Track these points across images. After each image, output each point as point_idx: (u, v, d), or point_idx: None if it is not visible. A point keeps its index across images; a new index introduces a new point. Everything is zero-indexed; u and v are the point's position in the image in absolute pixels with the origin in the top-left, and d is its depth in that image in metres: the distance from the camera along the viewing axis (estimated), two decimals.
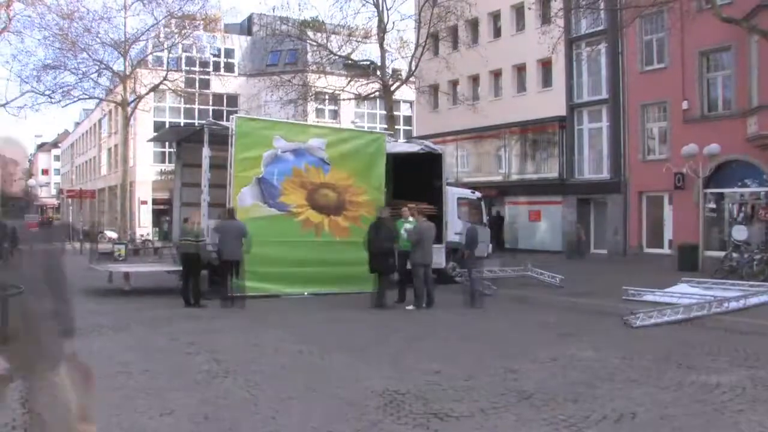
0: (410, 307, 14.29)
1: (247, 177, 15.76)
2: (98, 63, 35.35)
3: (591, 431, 6.05)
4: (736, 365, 8.64)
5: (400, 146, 21.23)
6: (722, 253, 22.19)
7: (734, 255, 21.13)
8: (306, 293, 15.78)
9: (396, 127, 37.64)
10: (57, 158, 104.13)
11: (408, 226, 15.13)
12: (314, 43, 34.68)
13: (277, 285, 15.67)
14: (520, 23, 34.76)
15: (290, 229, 16.09)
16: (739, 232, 22.68)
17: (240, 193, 15.63)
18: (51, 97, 34.53)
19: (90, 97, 39.07)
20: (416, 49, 32.52)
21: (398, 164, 21.04)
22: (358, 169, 17.17)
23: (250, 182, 15.78)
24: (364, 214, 16.87)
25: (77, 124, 77.81)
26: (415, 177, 19.99)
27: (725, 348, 9.52)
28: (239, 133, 15.81)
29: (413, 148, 20.29)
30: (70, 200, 57.99)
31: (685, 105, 25.90)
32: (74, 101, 36.84)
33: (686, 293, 14.59)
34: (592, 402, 6.90)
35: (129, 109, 36.74)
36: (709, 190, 24.99)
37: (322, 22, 35.26)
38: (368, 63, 34.45)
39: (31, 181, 76.23)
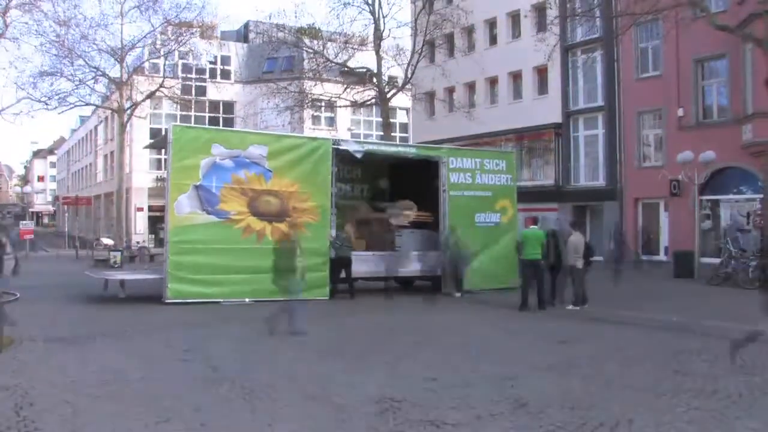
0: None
1: (185, 184, 15.75)
2: (95, 70, 35.35)
3: None
4: (733, 372, 8.64)
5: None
6: (718, 260, 22.22)
7: (731, 262, 21.16)
8: (247, 300, 15.77)
9: (392, 134, 37.66)
10: (53, 165, 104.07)
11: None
12: (310, 51, 34.72)
13: (217, 291, 15.67)
14: (515, 31, 34.88)
15: (230, 236, 16.06)
16: (735, 239, 22.73)
17: (177, 200, 15.62)
18: (47, 104, 34.47)
19: (86, 104, 39.01)
20: (412, 56, 32.59)
21: (397, 170, 21.17)
22: (302, 176, 17.06)
23: (188, 190, 15.75)
24: (308, 220, 16.89)
25: (73, 130, 77.80)
26: (415, 183, 20.10)
27: (722, 355, 9.51)
28: (176, 140, 15.85)
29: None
30: (66, 207, 58.02)
31: (680, 112, 26.00)
32: (70, 108, 36.77)
33: None
34: (588, 409, 6.90)
35: (125, 116, 36.70)
36: (704, 197, 25.06)
37: (319, 29, 35.30)
38: (364, 70, 34.50)
39: (27, 188, 76.31)
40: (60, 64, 34.34)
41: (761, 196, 23.02)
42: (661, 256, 26.77)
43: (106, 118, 50.34)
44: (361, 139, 21.74)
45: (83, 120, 66.99)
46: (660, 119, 27.53)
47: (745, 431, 6.29)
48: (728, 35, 21.03)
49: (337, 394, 7.52)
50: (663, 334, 11.81)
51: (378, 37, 31.97)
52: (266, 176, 16.70)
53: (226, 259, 15.85)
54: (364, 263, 17.93)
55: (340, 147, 17.92)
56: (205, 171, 15.99)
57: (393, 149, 21.20)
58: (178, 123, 20.55)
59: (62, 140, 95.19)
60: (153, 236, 44.01)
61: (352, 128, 47.06)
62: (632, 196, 28.30)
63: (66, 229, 51.68)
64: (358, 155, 18.16)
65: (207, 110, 47.72)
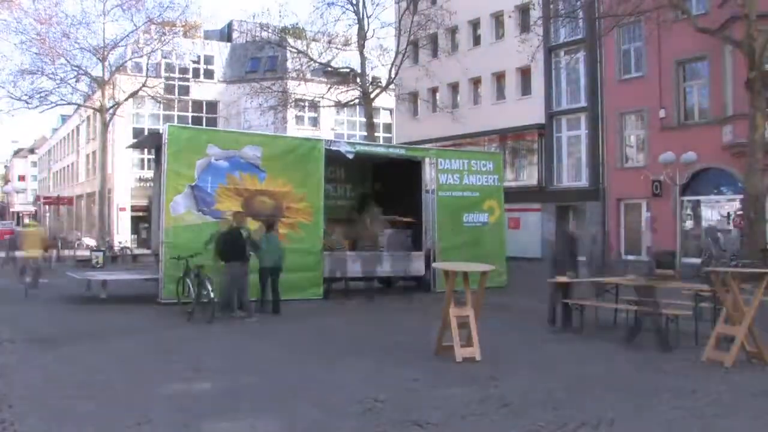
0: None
1: (181, 185, 15.70)
2: (76, 68, 35.09)
3: None
4: (712, 372, 8.72)
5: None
6: (699, 260, 22.40)
7: (711, 262, 21.34)
8: None
9: (376, 134, 37.69)
10: (34, 164, 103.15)
11: None
12: (294, 50, 34.66)
13: (213, 292, 15.53)
14: (499, 31, 35.00)
15: None
16: (716, 240, 22.96)
17: (173, 201, 15.56)
18: (28, 103, 34.18)
19: (68, 103, 38.73)
20: (396, 56, 32.63)
21: (380, 170, 21.22)
22: (295, 176, 17.08)
23: (184, 190, 15.71)
24: (301, 221, 16.96)
25: (55, 130, 77.17)
26: (398, 183, 20.15)
27: (700, 355, 9.58)
28: (171, 141, 15.78)
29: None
30: (47, 207, 57.56)
31: (662, 113, 26.19)
32: (52, 107, 36.47)
33: None
34: (570, 408, 6.93)
35: (107, 116, 36.46)
36: (685, 198, 25.27)
37: (303, 29, 35.27)
38: (348, 70, 34.49)
39: (8, 188, 75.57)
40: (41, 62, 34.11)
41: (741, 196, 23.24)
42: (643, 256, 26.95)
43: (88, 117, 50.01)
44: (351, 141, 21.79)
45: (65, 119, 66.45)
46: (642, 120, 27.73)
47: (724, 429, 6.35)
48: (709, 37, 21.20)
49: (320, 394, 7.52)
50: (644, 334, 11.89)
51: (362, 37, 31.97)
52: (260, 177, 16.68)
53: None
54: (349, 263, 18.02)
55: (332, 148, 17.97)
56: (201, 171, 15.93)
57: (383, 150, 21.26)
58: (173, 123, 20.53)
59: (44, 139, 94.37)
60: (135, 236, 43.78)
61: (335, 128, 47.06)
62: (615, 196, 28.48)
63: (47, 229, 51.22)
64: (350, 156, 18.19)
65: (190, 110, 47.58)
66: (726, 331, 9.35)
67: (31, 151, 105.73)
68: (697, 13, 23.21)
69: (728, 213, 24.45)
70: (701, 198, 25.52)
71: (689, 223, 25.99)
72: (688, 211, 25.89)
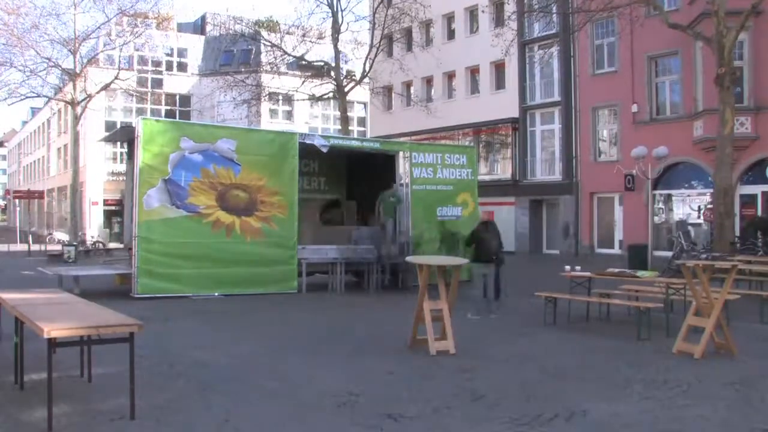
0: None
1: (154, 178, 15.63)
2: (46, 60, 34.62)
3: (543, 429, 6.12)
4: (682, 362, 8.85)
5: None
6: (670, 253, 22.69)
7: (682, 255, 21.60)
8: (216, 294, 15.75)
9: (350, 128, 37.67)
10: (3, 158, 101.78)
11: None
12: (268, 44, 34.52)
13: (186, 286, 15.63)
14: (473, 25, 35.11)
15: (199, 230, 16.02)
16: (686, 233, 23.25)
17: (146, 195, 15.50)
18: None
19: (38, 96, 38.22)
20: (370, 50, 32.62)
21: (353, 164, 21.21)
22: (270, 170, 17.06)
23: (157, 184, 15.64)
24: (276, 214, 16.96)
25: (25, 122, 76.08)
26: (371, 177, 20.17)
27: (672, 346, 9.71)
28: (144, 134, 15.69)
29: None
30: (17, 201, 56.75)
31: (634, 108, 26.47)
32: (21, 99, 36.00)
33: None
34: (544, 401, 6.99)
35: (79, 109, 36.02)
36: (657, 191, 25.56)
37: (277, 22, 35.15)
38: (322, 64, 34.43)
39: None
40: (9, 53, 33.61)
41: (711, 190, 23.54)
42: (616, 249, 27.23)
43: (59, 110, 49.39)
44: (325, 134, 21.80)
45: (35, 112, 65.55)
46: (615, 115, 28.00)
47: (693, 418, 6.44)
48: (680, 33, 21.44)
49: (294, 388, 7.51)
50: (618, 324, 12.02)
51: (336, 30, 31.93)
52: (235, 170, 16.62)
53: (196, 254, 15.78)
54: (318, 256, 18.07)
55: (306, 141, 17.93)
56: (174, 165, 15.85)
57: (357, 144, 21.24)
58: (146, 116, 20.28)
59: (13, 132, 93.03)
60: (108, 231, 43.37)
61: (309, 122, 46.94)
62: (588, 190, 28.73)
63: (17, 224, 50.56)
64: (324, 149, 18.14)
65: (163, 103, 47.18)
66: (696, 323, 9.49)
67: (0, 144, 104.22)
68: (668, 9, 23.48)
69: (699, 207, 24.79)
70: (672, 192, 25.86)
71: (661, 217, 26.32)
72: (660, 205, 26.21)
